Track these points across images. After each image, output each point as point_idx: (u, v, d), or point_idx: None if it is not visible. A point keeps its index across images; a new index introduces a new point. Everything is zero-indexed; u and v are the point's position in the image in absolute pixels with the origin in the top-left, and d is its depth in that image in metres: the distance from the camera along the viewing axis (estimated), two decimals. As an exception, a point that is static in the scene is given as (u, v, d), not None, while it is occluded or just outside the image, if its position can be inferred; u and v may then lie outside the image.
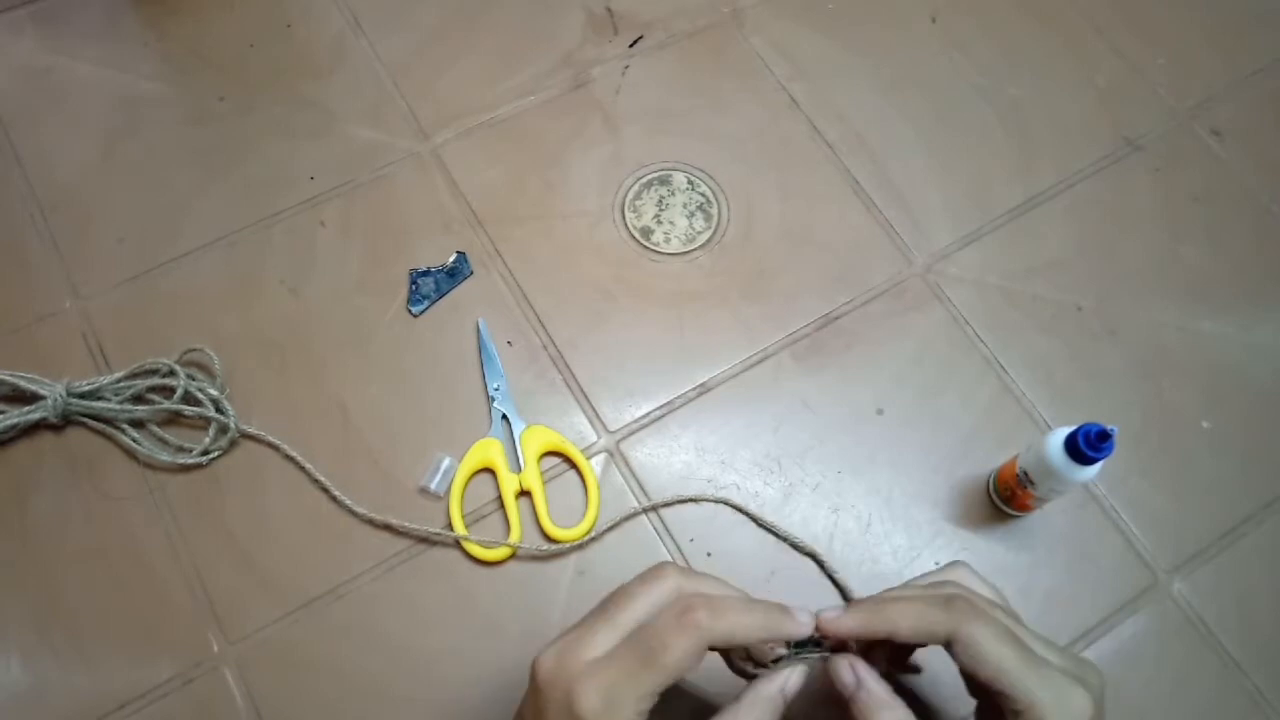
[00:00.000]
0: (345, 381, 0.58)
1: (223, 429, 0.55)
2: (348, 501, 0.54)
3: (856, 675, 0.40)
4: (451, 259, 0.62)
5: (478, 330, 0.60)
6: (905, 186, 0.66)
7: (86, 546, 0.53)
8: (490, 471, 0.56)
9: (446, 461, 0.56)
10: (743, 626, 0.39)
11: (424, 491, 0.55)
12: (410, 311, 0.60)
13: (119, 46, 0.68)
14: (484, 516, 0.55)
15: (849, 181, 0.66)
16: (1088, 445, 0.48)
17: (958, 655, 0.39)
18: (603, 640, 0.39)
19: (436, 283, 0.61)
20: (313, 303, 0.60)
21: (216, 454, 0.55)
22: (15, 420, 0.54)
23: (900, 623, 0.40)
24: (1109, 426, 0.47)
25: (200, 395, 0.55)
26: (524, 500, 0.55)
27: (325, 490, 0.54)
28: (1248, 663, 0.53)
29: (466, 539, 0.53)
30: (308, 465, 0.55)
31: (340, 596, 0.53)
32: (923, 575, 0.45)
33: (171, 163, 0.64)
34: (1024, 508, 0.54)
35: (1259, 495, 0.58)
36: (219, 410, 0.55)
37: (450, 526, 0.54)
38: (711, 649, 0.39)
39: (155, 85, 0.67)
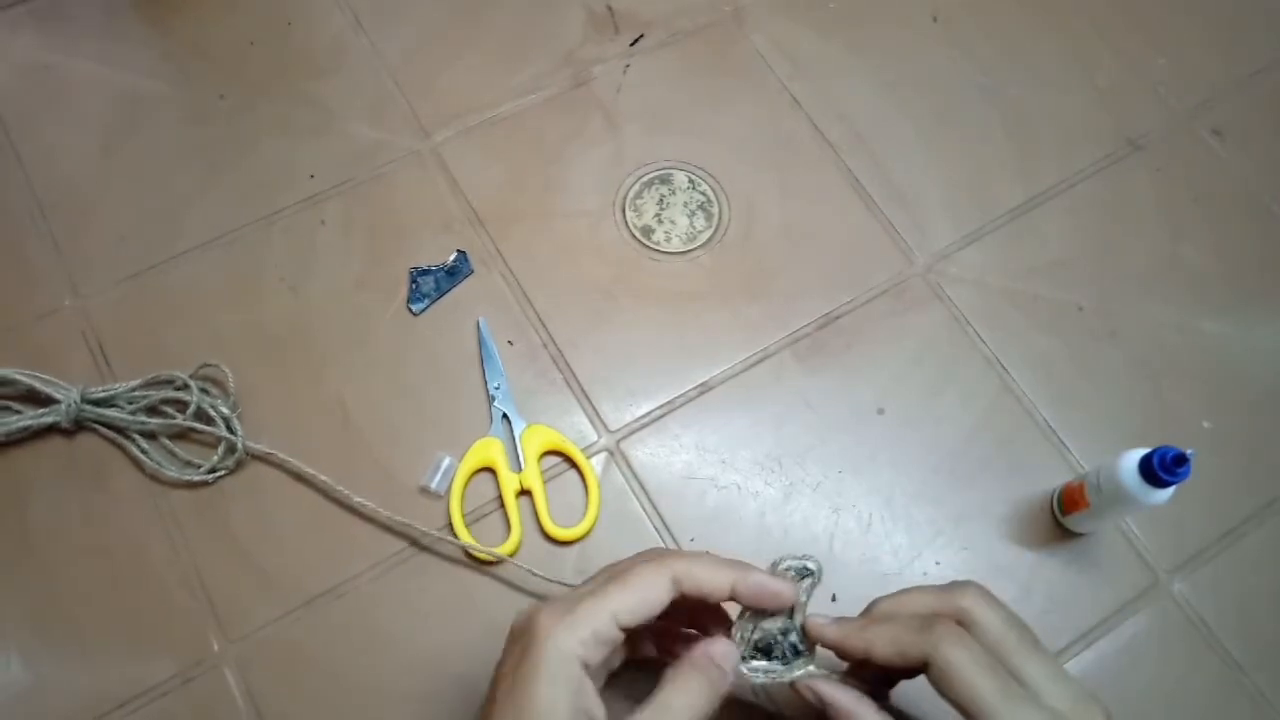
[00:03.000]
0: (345, 380, 0.58)
1: (231, 448, 0.55)
2: (358, 499, 0.54)
3: (817, 694, 0.41)
4: (452, 258, 0.62)
5: (478, 329, 0.60)
6: (906, 186, 0.66)
7: (87, 545, 0.53)
8: (491, 471, 0.56)
9: (447, 461, 0.55)
10: (708, 567, 0.40)
11: (424, 490, 0.55)
12: (410, 310, 0.60)
13: (119, 44, 0.68)
14: (484, 515, 0.55)
15: (850, 181, 0.66)
16: (1163, 469, 0.47)
17: (932, 681, 0.38)
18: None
19: (437, 281, 0.61)
20: (313, 301, 0.60)
21: (223, 473, 0.55)
22: (29, 422, 0.54)
23: (878, 644, 0.40)
24: (1186, 450, 0.47)
25: (212, 412, 0.55)
26: (524, 499, 0.55)
27: (329, 494, 0.54)
28: (1248, 663, 0.54)
29: (473, 547, 0.53)
30: (310, 470, 0.54)
31: (340, 596, 0.53)
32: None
33: (172, 161, 0.64)
34: (1076, 506, 0.54)
35: (1259, 495, 0.58)
36: (229, 429, 0.55)
37: (451, 526, 0.54)
38: (683, 597, 0.40)
39: (155, 83, 0.67)
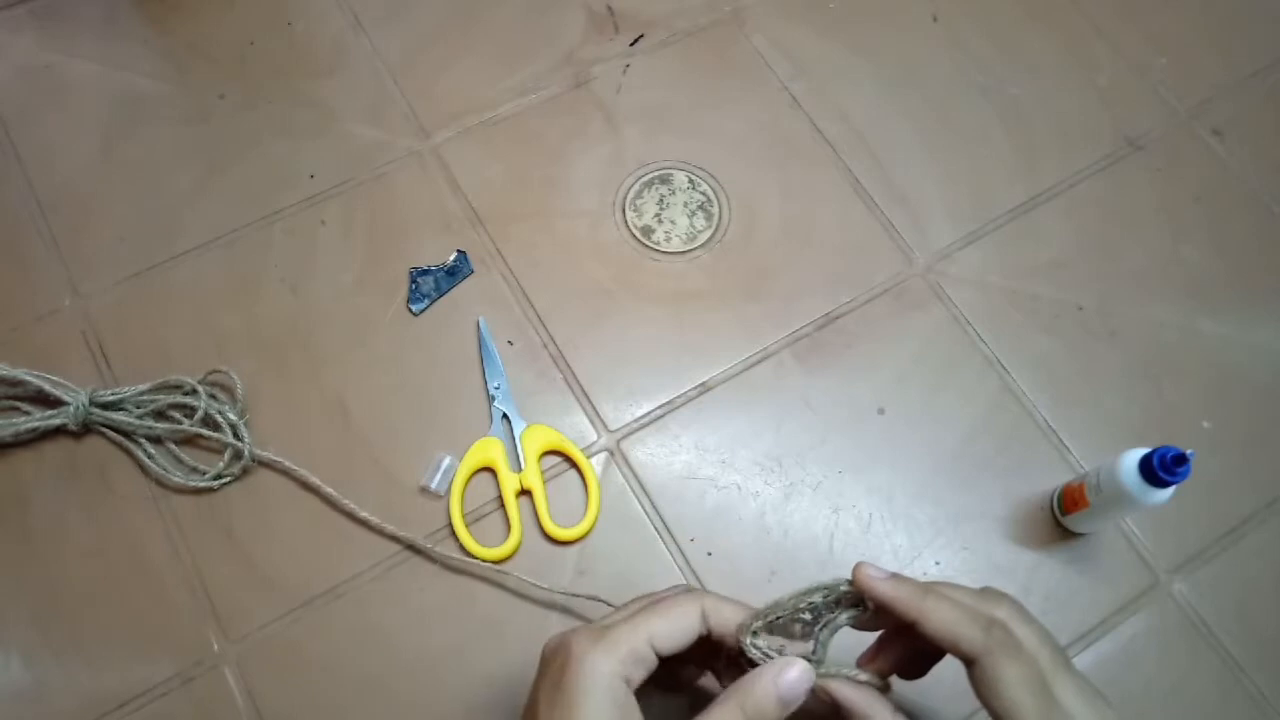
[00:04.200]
0: (346, 380, 0.58)
1: (237, 454, 0.54)
2: (364, 514, 0.54)
3: (831, 694, 0.40)
4: (452, 258, 0.62)
5: (478, 329, 0.60)
6: (906, 186, 0.66)
7: (88, 546, 0.53)
8: (491, 470, 0.56)
9: (447, 460, 0.55)
10: (734, 609, 0.41)
11: (424, 490, 0.55)
12: (410, 310, 0.60)
13: (119, 44, 0.68)
14: (484, 515, 0.55)
15: (850, 181, 0.66)
16: (1163, 469, 0.47)
17: (975, 681, 0.38)
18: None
19: (437, 281, 0.61)
20: (313, 301, 0.60)
21: (229, 480, 0.55)
22: (37, 424, 0.54)
23: (934, 617, 0.39)
24: (1186, 450, 0.47)
25: (220, 419, 0.55)
26: (524, 499, 0.55)
27: (335, 506, 0.54)
28: (1248, 663, 0.54)
29: (475, 562, 0.53)
30: (315, 481, 0.54)
31: (340, 596, 0.53)
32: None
33: (171, 161, 0.64)
34: (1076, 506, 0.54)
35: (1259, 495, 0.58)
36: (236, 436, 0.54)
37: (451, 525, 0.54)
38: (710, 637, 0.40)
39: (155, 83, 0.67)
